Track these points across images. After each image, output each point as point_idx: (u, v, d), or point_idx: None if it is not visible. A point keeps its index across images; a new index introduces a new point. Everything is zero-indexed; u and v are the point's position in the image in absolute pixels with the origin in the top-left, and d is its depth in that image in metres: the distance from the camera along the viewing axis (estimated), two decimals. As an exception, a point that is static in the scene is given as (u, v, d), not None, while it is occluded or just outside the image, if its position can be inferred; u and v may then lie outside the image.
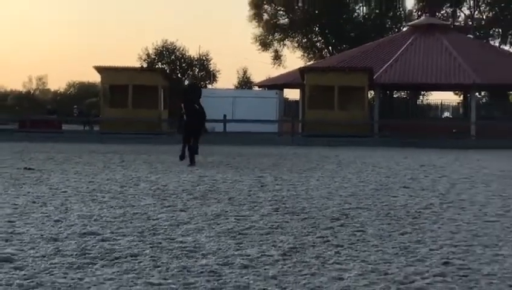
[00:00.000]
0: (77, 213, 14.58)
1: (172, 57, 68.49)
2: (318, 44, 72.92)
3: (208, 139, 42.68)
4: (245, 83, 70.32)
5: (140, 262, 9.98)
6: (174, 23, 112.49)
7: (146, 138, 41.47)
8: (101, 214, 14.48)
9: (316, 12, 70.31)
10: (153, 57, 67.51)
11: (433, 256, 10.97)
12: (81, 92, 70.92)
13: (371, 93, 50.42)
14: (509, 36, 68.80)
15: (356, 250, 11.32)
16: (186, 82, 38.74)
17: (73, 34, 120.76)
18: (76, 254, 10.39)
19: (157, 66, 63.01)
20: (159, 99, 47.63)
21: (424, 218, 14.91)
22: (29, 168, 24.01)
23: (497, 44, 66.45)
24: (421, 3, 69.70)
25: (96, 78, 48.67)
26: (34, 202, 16.07)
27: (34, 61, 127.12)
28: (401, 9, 72.02)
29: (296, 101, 51.24)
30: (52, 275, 9.01)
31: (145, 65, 63.25)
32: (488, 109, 59.95)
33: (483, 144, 42.46)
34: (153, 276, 9.18)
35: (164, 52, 68.26)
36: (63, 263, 9.75)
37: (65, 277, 8.97)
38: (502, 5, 68.03)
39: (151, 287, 8.58)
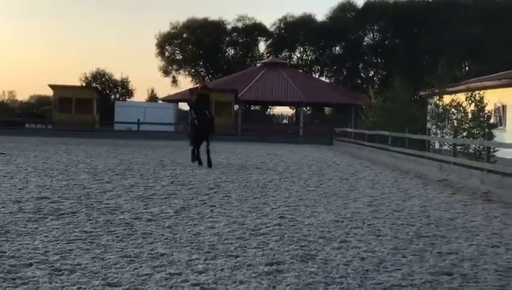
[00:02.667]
0: (35, 184, 14.45)
1: (103, 79, 69.18)
2: (202, 73, 73.18)
3: (126, 135, 42.46)
4: (152, 97, 70.24)
5: (78, 217, 10.15)
6: (107, 55, 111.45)
7: (84, 134, 40.90)
8: (51, 185, 14.41)
9: (201, 52, 70.62)
10: (89, 79, 67.90)
11: (274, 212, 11.26)
12: (40, 102, 69.92)
13: (236, 106, 50.55)
14: (325, 71, 70.42)
15: (224, 209, 11.55)
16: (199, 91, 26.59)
17: (37, 56, 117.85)
18: (33, 211, 10.53)
19: (92, 85, 62.86)
20: (93, 108, 47.74)
21: (268, 188, 15.19)
22: (1, 153, 23.41)
23: (317, 76, 67.79)
24: (269, 48, 70.63)
25: (50, 92, 48.25)
26: (4, 176, 15.80)
27: (5, 78, 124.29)
28: (256, 52, 72.76)
29: (187, 111, 51.35)
30: (16, 225, 9.18)
31: (84, 84, 63.39)
32: (311, 118, 61.21)
33: (308, 141, 43.27)
34: (86, 226, 9.35)
35: (97, 76, 68.96)
36: (24, 218, 9.88)
37: (25, 227, 9.13)
38: (321, 51, 69.54)
39: (85, 234, 8.74)
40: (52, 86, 49.41)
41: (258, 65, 63.48)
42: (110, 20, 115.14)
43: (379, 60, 69.67)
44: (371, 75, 71.26)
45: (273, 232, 9.29)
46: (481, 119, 26.49)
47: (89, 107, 47.87)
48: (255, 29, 71.91)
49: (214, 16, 73.56)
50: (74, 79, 79.93)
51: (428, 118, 33.27)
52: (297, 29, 69.31)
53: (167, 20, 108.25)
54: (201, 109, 21.40)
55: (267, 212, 11.33)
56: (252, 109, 64.54)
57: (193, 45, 71.67)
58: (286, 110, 69.25)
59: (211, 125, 21.63)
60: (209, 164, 20.26)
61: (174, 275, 6.65)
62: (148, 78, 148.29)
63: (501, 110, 31.17)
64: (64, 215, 10.24)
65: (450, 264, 7.58)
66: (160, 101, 63.35)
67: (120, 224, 9.56)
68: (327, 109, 63.01)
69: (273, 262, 7.34)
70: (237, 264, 7.22)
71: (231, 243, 8.38)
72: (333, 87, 60.61)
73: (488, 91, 29.96)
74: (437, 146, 28.05)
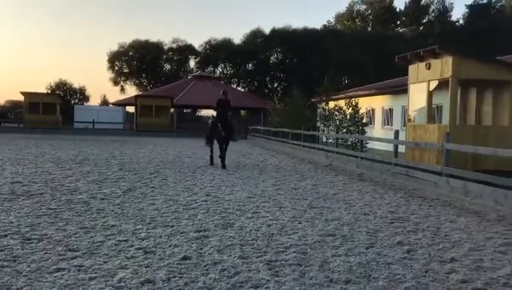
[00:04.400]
0: (9, 171, 13.86)
1: (64, 87, 67.75)
2: (144, 83, 72.04)
3: (84, 132, 41.38)
4: (105, 102, 69.09)
5: (44, 197, 9.82)
6: (66, 66, 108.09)
7: (49, 131, 39.55)
8: (23, 172, 13.83)
9: (143, 66, 69.58)
10: (53, 87, 66.36)
11: (201, 191, 11.23)
12: (13, 105, 67.58)
13: (172, 110, 49.98)
14: (241, 83, 70.64)
15: (162, 189, 11.41)
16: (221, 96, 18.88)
17: (8, 66, 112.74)
18: (8, 193, 10.11)
19: (56, 92, 61.05)
20: (57, 110, 46.26)
21: (197, 173, 15.11)
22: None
23: (234, 86, 67.90)
24: (197, 64, 70.30)
25: (22, 98, 46.56)
26: (-16, 166, 15.11)
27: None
28: (187, 67, 72.26)
29: (133, 113, 50.42)
30: (-5, 205, 8.82)
31: (49, 91, 61.60)
32: (231, 119, 61.21)
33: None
34: (51, 204, 9.07)
35: (59, 85, 67.66)
36: (0, 198, 9.49)
37: (2, 205, 8.81)
38: (237, 67, 69.80)
39: (50, 210, 8.51)
40: (23, 93, 47.70)
41: (189, 77, 62.94)
42: (72, 39, 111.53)
43: (282, 75, 70.42)
44: (275, 86, 71.95)
45: (201, 207, 9.27)
46: (356, 119, 27.23)
47: (53, 110, 46.45)
48: (186, 49, 71.60)
49: (153, 38, 72.76)
50: (41, 87, 77.87)
51: (318, 118, 33.87)
52: (219, 50, 69.36)
53: (116, 41, 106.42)
54: (224, 114, 17.67)
55: (196, 191, 11.28)
56: (184, 111, 63.88)
57: (137, 61, 70.66)
58: (211, 112, 69.10)
59: (232, 130, 17.92)
60: (223, 166, 16.86)
61: (122, 241, 6.57)
62: (101, 86, 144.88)
63: (371, 113, 32.06)
64: (33, 195, 9.89)
65: (334, 228, 7.76)
66: (111, 105, 62.11)
67: (79, 202, 9.32)
68: (243, 112, 62.98)
69: (200, 229, 7.34)
70: (172, 232, 7.18)
71: (168, 216, 8.32)
72: (247, 95, 60.72)
73: (362, 98, 30.74)
74: (324, 140, 28.58)
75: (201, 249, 6.30)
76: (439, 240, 7.21)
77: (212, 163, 17.78)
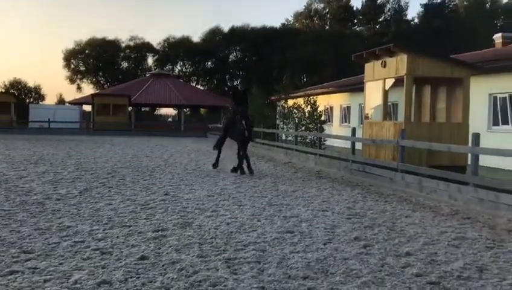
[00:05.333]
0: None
1: (19, 86, 66.08)
2: (101, 81, 70.92)
3: (39, 131, 40.44)
4: (61, 101, 67.72)
5: None
6: (24, 66, 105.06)
7: (3, 131, 38.39)
8: (-24, 173, 13.39)
9: (100, 64, 68.53)
10: (8, 86, 64.74)
11: (160, 191, 11.12)
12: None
13: (130, 108, 49.38)
14: (200, 81, 70.28)
15: (120, 189, 11.26)
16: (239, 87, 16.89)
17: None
18: None
19: (10, 91, 59.49)
20: (11, 109, 45.15)
21: (156, 172, 14.96)
22: None
23: (194, 84, 67.56)
24: (156, 62, 69.65)
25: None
26: None
27: None
28: (145, 65, 71.50)
29: (90, 112, 49.55)
30: None
31: (3, 90, 60.15)
32: (190, 117, 60.94)
33: (187, 135, 43.02)
34: (5, 206, 8.83)
35: (14, 84, 65.91)
36: None
37: None
38: (196, 65, 69.52)
39: (4, 212, 8.28)
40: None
41: (147, 75, 62.26)
42: (26, 38, 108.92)
43: (241, 73, 70.33)
44: (235, 84, 71.88)
45: (159, 206, 9.18)
46: (315, 117, 27.44)
47: (7, 109, 45.29)
48: (144, 47, 70.83)
49: (110, 36, 71.59)
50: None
51: (277, 116, 34.02)
52: (178, 48, 68.89)
53: (72, 39, 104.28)
54: (245, 109, 14.99)
55: (155, 190, 11.17)
56: (142, 110, 63.21)
57: (94, 59, 69.56)
58: (170, 111, 68.66)
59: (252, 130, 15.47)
60: (250, 170, 14.65)
61: (78, 242, 6.45)
62: (57, 85, 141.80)
63: (329, 110, 32.39)
64: (-14, 197, 9.63)
65: (292, 225, 7.81)
66: (67, 104, 60.92)
67: (33, 203, 9.10)
68: (202, 110, 62.72)
69: (158, 229, 7.27)
70: (130, 232, 7.09)
71: (125, 216, 8.21)
72: (206, 93, 60.49)
73: (320, 96, 31.04)
74: (284, 137, 28.74)
75: (159, 248, 6.24)
76: (394, 235, 7.33)
77: (216, 165, 15.67)
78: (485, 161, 12.29)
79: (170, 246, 6.33)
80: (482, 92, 17.93)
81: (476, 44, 39.62)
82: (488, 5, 69.03)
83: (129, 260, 5.72)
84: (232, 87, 15.48)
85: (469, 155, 11.21)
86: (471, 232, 7.65)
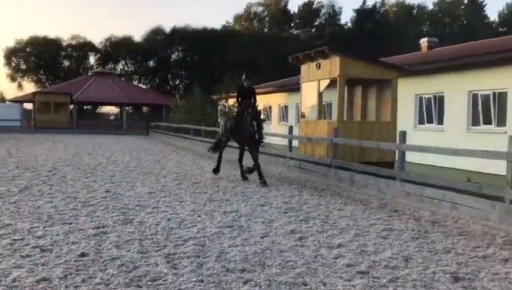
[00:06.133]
0: None
1: None
2: (43, 80, 68.57)
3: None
4: (1, 99, 65.20)
5: None
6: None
7: None
8: None
9: (42, 63, 66.24)
10: None
11: (101, 188, 10.93)
12: None
13: (71, 106, 47.98)
14: (142, 79, 69.12)
15: (61, 187, 10.97)
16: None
17: None
18: None
19: None
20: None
21: (97, 169, 14.66)
22: None
23: (136, 83, 66.40)
24: (98, 61, 68.01)
25: None
26: None
27: None
28: (87, 64, 69.57)
29: (31, 110, 47.78)
30: None
31: None
32: (132, 115, 59.89)
33: (130, 133, 42.29)
34: None
35: None
36: None
37: None
38: (138, 64, 68.48)
39: None
40: None
41: (89, 74, 60.71)
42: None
43: (183, 72, 69.69)
44: (177, 83, 71.21)
45: (100, 203, 9.00)
46: (255, 115, 27.53)
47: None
48: (85, 46, 68.94)
49: (52, 35, 69.37)
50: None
51: (218, 114, 33.96)
52: (119, 47, 67.51)
53: (13, 37, 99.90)
54: (255, 113, 12.52)
55: (96, 188, 10.94)
56: (84, 108, 61.56)
57: (35, 57, 67.08)
58: (112, 109, 67.20)
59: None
60: (264, 181, 12.06)
61: (18, 240, 6.24)
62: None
63: (268, 109, 32.60)
64: None
65: (231, 220, 7.83)
66: (8, 102, 58.57)
67: (-28, 202, 8.74)
68: (144, 108, 61.74)
69: (99, 226, 7.12)
70: (70, 229, 6.91)
71: (66, 213, 8.00)
72: (149, 91, 59.56)
73: (259, 96, 31.16)
74: (224, 135, 28.69)
75: (99, 245, 6.11)
76: (328, 228, 7.48)
77: (218, 171, 13.50)
78: (411, 157, 12.68)
79: (110, 243, 6.21)
80: (409, 92, 18.50)
81: (404, 47, 40.84)
82: (415, 11, 71.25)
83: (69, 257, 5.57)
84: (237, 85, 16.18)
85: (396, 152, 11.54)
86: (398, 224, 7.89)
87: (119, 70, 69.74)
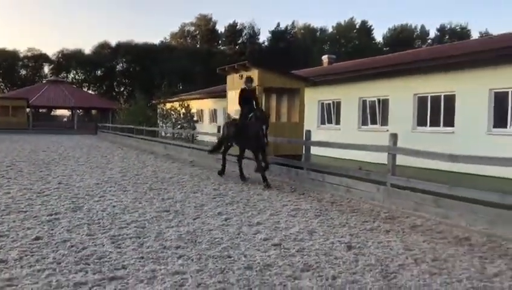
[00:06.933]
0: None
1: None
2: (1, 86, 64.21)
3: None
4: None
5: None
6: None
7: None
8: None
9: (0, 71, 62.01)
10: None
11: (54, 180, 10.40)
12: None
13: (28, 110, 45.19)
14: (91, 87, 66.48)
15: (17, 180, 10.34)
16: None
17: None
18: None
19: None
20: None
21: (51, 164, 13.96)
22: None
23: (86, 90, 63.67)
24: (52, 70, 64.63)
25: None
26: None
27: None
28: (42, 72, 65.94)
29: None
30: None
31: None
32: (83, 117, 57.25)
33: (80, 133, 40.49)
34: None
35: None
36: None
37: None
38: (88, 73, 65.81)
39: None
40: None
41: (44, 82, 57.58)
42: None
43: (127, 80, 67.74)
44: (122, 90, 69.04)
45: (53, 194, 8.57)
46: (188, 117, 27.30)
47: None
48: (41, 57, 65.48)
49: (10, 47, 65.23)
50: None
51: (158, 117, 33.31)
52: (71, 58, 64.68)
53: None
54: (263, 116, 10.32)
55: (50, 180, 10.41)
56: (40, 111, 58.28)
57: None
58: (65, 112, 64.10)
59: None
60: (268, 184, 9.97)
61: (-24, 228, 5.83)
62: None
63: (200, 113, 32.35)
64: None
65: (168, 205, 7.71)
66: None
67: None
68: (93, 111, 59.35)
69: (52, 213, 6.80)
70: (26, 216, 6.55)
71: (22, 203, 7.56)
72: (97, 97, 57.34)
73: (193, 101, 30.87)
74: (163, 134, 28.21)
75: (52, 229, 5.83)
76: (249, 209, 7.53)
77: (223, 173, 11.63)
78: (315, 150, 12.99)
79: (62, 227, 5.95)
80: (313, 99, 18.95)
81: (310, 62, 41.81)
82: (318, 33, 73.07)
83: (24, 241, 5.28)
84: (240, 89, 11.14)
85: (303, 146, 11.79)
86: (304, 204, 8.07)
87: (70, 78, 66.74)
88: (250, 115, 10.41)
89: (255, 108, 10.70)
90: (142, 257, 4.77)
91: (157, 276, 4.20)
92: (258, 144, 10.16)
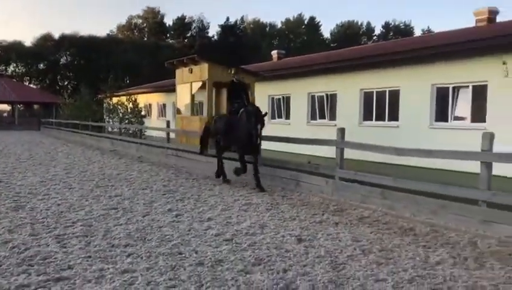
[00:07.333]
0: None
1: None
2: None
3: None
4: None
5: None
6: None
7: None
8: None
9: None
10: None
11: (-8, 179, 9.82)
12: None
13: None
14: (33, 80, 63.62)
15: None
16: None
17: None
18: None
19: None
20: None
21: (-11, 162, 13.21)
22: None
23: (27, 84, 60.81)
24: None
25: None
26: None
27: None
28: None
29: None
30: None
31: None
32: (24, 113, 54.65)
33: (22, 128, 38.66)
34: None
35: None
36: None
37: None
38: (29, 66, 62.82)
39: None
40: None
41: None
42: None
43: (71, 74, 65.28)
44: (66, 83, 66.48)
45: (-8, 193, 8.16)
46: (136, 112, 26.73)
47: None
48: (-24, 49, 62.01)
49: None
50: None
51: (104, 112, 32.35)
52: (10, 51, 61.51)
53: None
54: (258, 113, 9.18)
55: None
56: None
57: None
58: (5, 107, 61.00)
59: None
60: (260, 187, 8.97)
61: None
62: None
63: (148, 107, 31.73)
64: None
65: (116, 202, 7.52)
66: None
67: None
68: (36, 106, 56.82)
69: (-9, 213, 6.46)
70: (-38, 218, 6.18)
71: (-43, 203, 7.14)
72: (40, 91, 54.87)
73: (140, 95, 30.24)
74: (110, 129, 27.47)
75: (-9, 231, 5.54)
76: (200, 205, 7.47)
77: (220, 174, 10.24)
78: (266, 145, 13.04)
79: (3, 228, 5.67)
80: (263, 93, 19.04)
81: (260, 57, 42.00)
82: (267, 28, 73.44)
83: (-40, 244, 4.98)
84: (229, 83, 10.15)
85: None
86: (256, 199, 8.11)
87: (10, 71, 63.54)
88: (241, 111, 9.28)
89: (246, 104, 9.63)
90: (90, 256, 4.63)
91: (106, 275, 4.08)
92: (250, 144, 8.97)
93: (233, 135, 9.46)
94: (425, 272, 4.32)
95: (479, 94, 11.95)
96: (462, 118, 12.48)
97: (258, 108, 9.38)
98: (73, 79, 64.82)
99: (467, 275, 4.24)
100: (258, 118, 8.84)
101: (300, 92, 18.09)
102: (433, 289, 3.90)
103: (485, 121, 11.60)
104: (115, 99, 29.46)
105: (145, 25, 72.71)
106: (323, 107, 17.18)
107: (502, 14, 17.51)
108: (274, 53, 29.01)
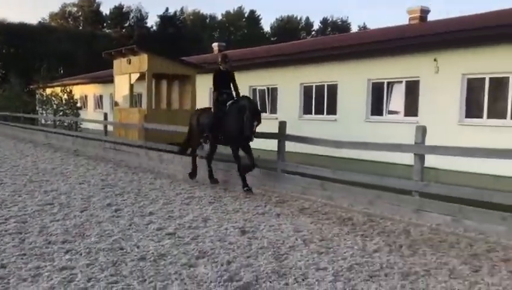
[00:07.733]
0: None
1: None
2: None
3: None
4: None
5: None
6: None
7: None
8: None
9: None
10: None
11: None
12: None
13: None
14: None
15: None
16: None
17: None
18: None
19: None
20: None
21: None
22: None
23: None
24: None
25: None
26: None
27: None
28: None
29: None
30: None
31: None
32: None
33: None
34: None
35: None
36: None
37: None
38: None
39: None
40: None
41: None
42: None
43: (-1, 63, 61.63)
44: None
45: None
46: (71, 104, 25.74)
47: None
48: None
49: None
50: None
51: (37, 103, 30.84)
52: None
53: None
54: (254, 106, 8.55)
55: None
56: None
57: None
58: None
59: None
60: (249, 188, 8.02)
61: None
62: None
63: (84, 98, 30.59)
64: None
65: (52, 198, 7.22)
66: None
67: None
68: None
69: None
70: None
71: None
72: (-37, 80, 51.40)
73: (76, 86, 29.08)
74: (43, 122, 26.23)
75: None
76: (140, 199, 7.33)
77: (195, 176, 9.34)
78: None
79: None
80: (204, 86, 18.85)
81: (201, 49, 41.60)
82: (207, 20, 72.86)
83: None
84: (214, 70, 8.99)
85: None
86: (198, 192, 8.07)
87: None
88: (229, 103, 8.43)
89: (237, 96, 8.77)
90: (25, 254, 4.42)
91: (43, 273, 3.92)
92: (242, 140, 8.06)
93: (224, 131, 8.36)
94: (363, 260, 4.50)
95: (412, 89, 12.55)
96: (396, 112, 13.06)
97: (256, 104, 8.35)
98: (2, 68, 61.11)
99: (402, 262, 4.47)
100: (255, 115, 7.90)
101: (241, 85, 18.05)
102: (371, 276, 4.07)
103: (417, 115, 12.21)
104: (48, 90, 28.19)
105: (80, 13, 69.78)
106: (265, 101, 17.34)
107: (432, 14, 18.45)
108: (215, 45, 28.86)
